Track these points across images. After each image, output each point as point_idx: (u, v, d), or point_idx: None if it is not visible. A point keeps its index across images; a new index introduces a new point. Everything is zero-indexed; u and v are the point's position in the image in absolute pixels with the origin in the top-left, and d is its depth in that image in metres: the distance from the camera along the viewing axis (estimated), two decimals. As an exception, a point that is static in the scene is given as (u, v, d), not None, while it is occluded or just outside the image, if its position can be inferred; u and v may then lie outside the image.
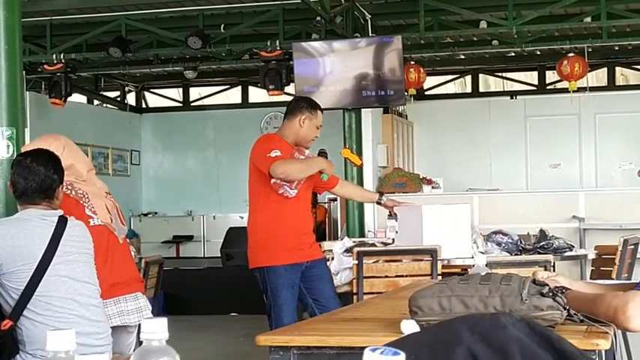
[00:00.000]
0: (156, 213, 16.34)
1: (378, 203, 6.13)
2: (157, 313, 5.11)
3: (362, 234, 11.01)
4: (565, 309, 2.50)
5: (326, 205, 12.72)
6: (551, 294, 2.50)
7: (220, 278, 11.56)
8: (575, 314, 2.54)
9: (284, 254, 5.42)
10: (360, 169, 11.11)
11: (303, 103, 5.69)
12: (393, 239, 6.44)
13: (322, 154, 5.73)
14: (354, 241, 6.61)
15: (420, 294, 2.58)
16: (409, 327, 2.49)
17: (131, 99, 16.98)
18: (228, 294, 11.10)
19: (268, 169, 5.29)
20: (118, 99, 16.80)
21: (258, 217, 5.53)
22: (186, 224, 15.87)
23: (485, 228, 7.27)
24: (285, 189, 5.41)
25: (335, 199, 12.42)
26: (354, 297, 5.56)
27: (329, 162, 5.63)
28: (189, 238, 15.80)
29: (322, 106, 5.83)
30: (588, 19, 11.37)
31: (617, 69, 15.09)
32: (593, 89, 13.83)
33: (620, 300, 2.44)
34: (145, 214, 16.15)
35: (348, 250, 6.02)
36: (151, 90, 17.12)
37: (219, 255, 12.16)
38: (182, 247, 15.76)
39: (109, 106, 16.66)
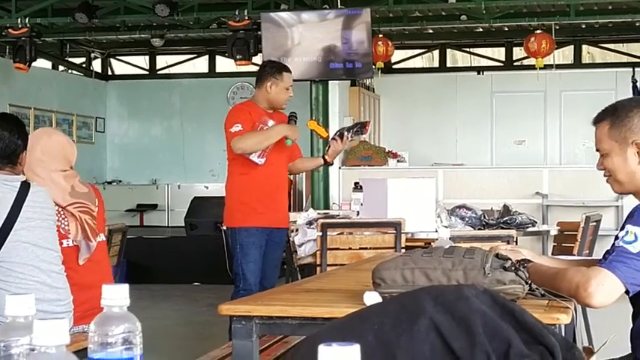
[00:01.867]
0: (120, 181, 16.26)
1: (324, 159, 6.10)
2: (119, 281, 5.07)
3: (327, 206, 11.02)
4: (527, 283, 2.52)
5: (291, 177, 12.70)
6: (513, 268, 2.51)
7: (184, 248, 11.51)
8: (536, 288, 2.56)
9: (257, 217, 5.60)
10: (326, 141, 11.05)
11: (268, 69, 5.80)
12: (358, 212, 6.45)
13: (292, 116, 5.82)
14: (318, 213, 6.62)
15: (384, 266, 2.59)
16: (372, 299, 2.50)
17: (97, 66, 16.81)
18: (192, 263, 11.07)
19: (230, 144, 5.51)
20: (84, 65, 16.63)
21: (235, 179, 5.71)
22: (150, 193, 15.81)
23: (450, 202, 7.32)
24: (251, 158, 5.55)
25: (301, 171, 12.41)
26: (318, 269, 5.58)
27: (293, 127, 5.70)
28: (154, 206, 15.74)
29: (289, 78, 5.86)
30: (556, -4, 11.40)
31: (584, 47, 15.17)
32: (559, 67, 13.88)
33: (582, 276, 2.46)
34: (109, 182, 16.05)
35: (312, 222, 6.04)
36: (117, 57, 16.95)
37: (184, 224, 12.11)
38: (146, 216, 15.70)
39: (74, 72, 16.49)
